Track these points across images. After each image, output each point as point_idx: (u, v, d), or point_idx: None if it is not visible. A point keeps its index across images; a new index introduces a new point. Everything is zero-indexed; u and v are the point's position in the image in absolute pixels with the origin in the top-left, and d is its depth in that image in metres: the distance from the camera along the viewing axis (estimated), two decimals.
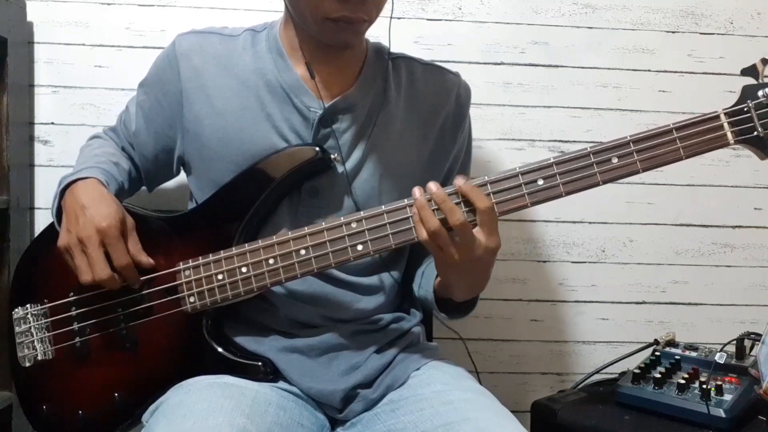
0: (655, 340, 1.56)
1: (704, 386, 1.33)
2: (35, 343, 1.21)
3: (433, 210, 1.05)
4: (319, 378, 1.18)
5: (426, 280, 1.26)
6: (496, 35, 1.72)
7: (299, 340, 1.20)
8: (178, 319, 1.18)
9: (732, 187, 1.78)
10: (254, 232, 1.20)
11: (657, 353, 1.51)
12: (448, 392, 1.14)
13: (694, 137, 1.05)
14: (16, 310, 1.23)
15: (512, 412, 1.12)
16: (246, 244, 1.15)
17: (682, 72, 1.75)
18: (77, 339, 1.20)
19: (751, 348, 1.46)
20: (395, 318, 1.29)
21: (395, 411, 1.15)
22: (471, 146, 1.39)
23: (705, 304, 1.80)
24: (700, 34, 1.75)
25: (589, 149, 1.06)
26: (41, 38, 1.64)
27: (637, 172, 1.06)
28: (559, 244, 1.77)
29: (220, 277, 1.15)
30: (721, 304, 1.80)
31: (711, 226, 1.78)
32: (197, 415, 1.01)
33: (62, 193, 1.20)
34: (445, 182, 1.21)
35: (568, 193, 1.06)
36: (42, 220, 1.65)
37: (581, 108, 1.74)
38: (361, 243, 1.10)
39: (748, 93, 1.05)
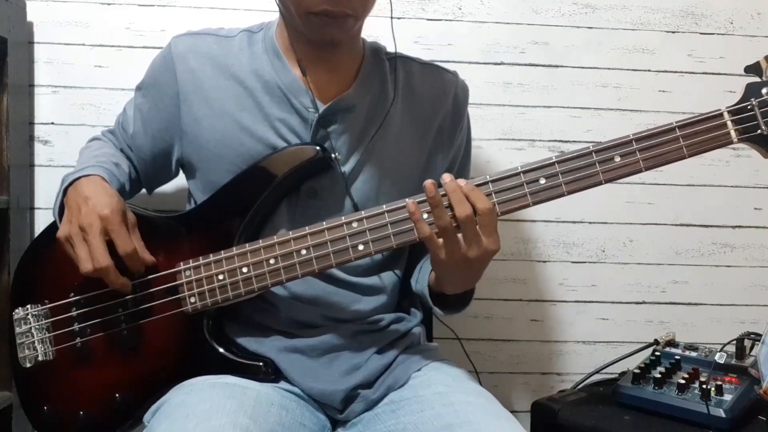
0: (655, 340, 1.56)
1: (704, 386, 1.32)
2: (36, 343, 1.21)
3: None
4: (320, 378, 1.18)
5: (423, 274, 1.26)
6: (496, 35, 1.72)
7: (300, 340, 1.20)
8: (178, 319, 1.17)
9: (732, 187, 1.78)
10: (255, 232, 1.20)
11: (657, 353, 1.51)
12: (449, 394, 1.14)
13: (698, 135, 1.05)
14: (17, 310, 1.23)
15: (512, 412, 1.12)
16: (247, 244, 1.15)
17: (682, 72, 1.76)
18: (78, 339, 1.20)
19: (751, 348, 1.46)
20: (396, 318, 1.29)
21: (396, 411, 1.15)
22: (470, 146, 1.39)
23: (705, 304, 1.80)
24: (700, 34, 1.75)
25: (591, 148, 1.06)
26: (41, 38, 1.64)
27: (639, 171, 1.05)
28: (559, 244, 1.77)
29: (220, 277, 1.15)
30: (721, 304, 1.80)
31: (711, 226, 1.78)
32: (200, 416, 1.01)
33: (65, 191, 1.19)
34: None
35: (570, 192, 1.06)
36: (42, 220, 1.65)
37: (581, 108, 1.74)
38: (362, 243, 1.10)
39: (751, 91, 1.05)
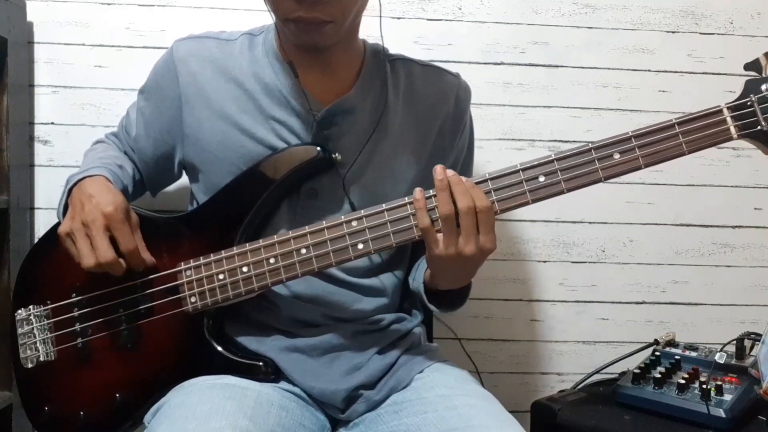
0: (655, 340, 1.56)
1: (704, 386, 1.32)
2: (38, 344, 1.21)
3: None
4: (321, 378, 1.18)
5: (419, 272, 1.27)
6: (496, 35, 1.72)
7: (300, 339, 1.20)
8: (179, 319, 1.17)
9: (732, 187, 1.78)
10: (255, 233, 1.20)
11: (657, 353, 1.51)
12: (452, 397, 1.14)
13: (697, 132, 1.04)
14: (19, 311, 1.23)
15: (512, 412, 1.12)
16: (247, 244, 1.15)
17: (682, 72, 1.76)
18: (79, 340, 1.20)
19: (751, 348, 1.46)
20: (396, 318, 1.29)
21: (398, 413, 1.15)
22: (473, 147, 1.39)
23: (705, 304, 1.80)
24: (700, 34, 1.75)
25: (590, 145, 1.06)
26: (41, 38, 1.64)
27: (639, 168, 1.05)
28: (559, 244, 1.77)
29: (221, 276, 1.15)
30: (721, 304, 1.80)
31: (711, 226, 1.78)
32: (199, 417, 1.01)
33: (69, 191, 1.19)
34: None
35: (569, 190, 1.06)
36: (42, 220, 1.65)
37: (581, 108, 1.75)
38: (362, 242, 1.10)
39: (751, 87, 1.05)
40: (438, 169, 1.06)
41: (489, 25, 1.72)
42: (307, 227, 1.12)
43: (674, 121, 1.05)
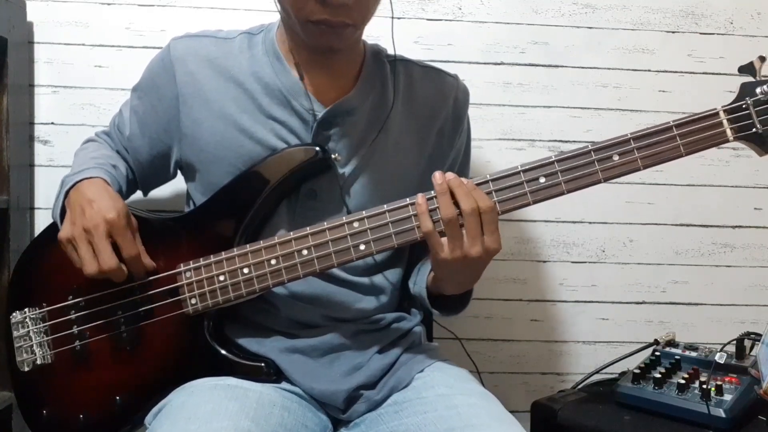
0: (655, 340, 1.56)
1: (704, 386, 1.33)
2: (34, 347, 1.20)
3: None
4: (322, 378, 1.18)
5: (421, 276, 1.26)
6: (496, 35, 1.72)
7: (301, 340, 1.20)
8: (179, 321, 1.17)
9: (732, 187, 1.78)
10: (254, 234, 1.20)
11: (657, 353, 1.51)
12: (452, 396, 1.14)
13: (694, 134, 1.06)
14: (14, 314, 1.22)
15: (512, 412, 1.12)
16: (247, 245, 1.15)
17: (682, 72, 1.76)
18: (77, 343, 1.19)
19: (751, 348, 1.46)
20: (397, 318, 1.29)
21: (399, 413, 1.15)
22: (470, 149, 1.39)
23: (705, 304, 1.80)
24: (700, 34, 1.75)
25: (590, 147, 1.07)
26: (41, 38, 1.64)
27: (638, 170, 1.06)
28: (559, 244, 1.77)
29: (221, 278, 1.15)
30: (721, 304, 1.80)
31: (711, 226, 1.78)
32: (201, 419, 1.01)
33: (66, 193, 1.19)
34: None
35: (569, 191, 1.07)
36: (42, 220, 1.65)
37: (581, 108, 1.75)
38: (364, 243, 1.10)
39: (746, 90, 1.06)
40: (437, 174, 1.06)
41: (489, 25, 1.72)
42: (308, 228, 1.12)
43: (672, 123, 1.06)
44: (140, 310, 1.18)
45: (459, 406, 1.11)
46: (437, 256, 1.07)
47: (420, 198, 1.07)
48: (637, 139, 1.06)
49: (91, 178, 1.19)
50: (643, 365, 1.46)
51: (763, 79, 1.06)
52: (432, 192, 1.07)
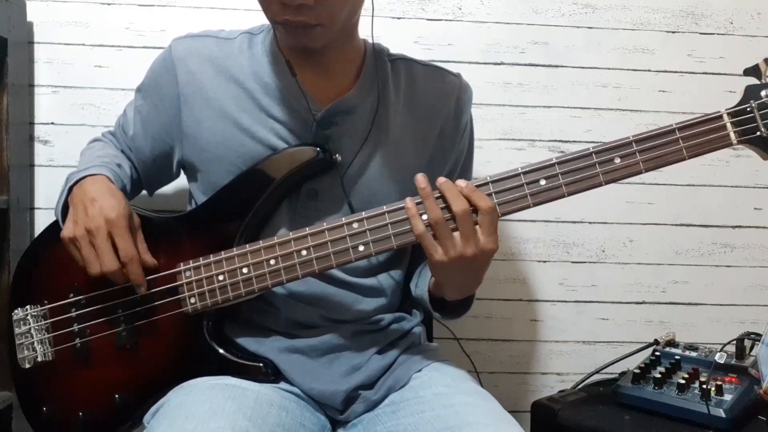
0: (655, 340, 1.56)
1: (704, 386, 1.33)
2: (35, 344, 1.21)
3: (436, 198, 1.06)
4: (321, 379, 1.18)
5: (423, 279, 1.26)
6: (496, 35, 1.72)
7: (300, 340, 1.20)
8: (178, 320, 1.17)
9: (732, 187, 1.78)
10: (255, 233, 1.20)
11: (657, 353, 1.51)
12: (449, 395, 1.14)
13: (697, 137, 1.05)
14: (16, 311, 1.23)
15: (512, 412, 1.12)
16: (247, 245, 1.15)
17: (682, 72, 1.76)
18: (77, 340, 1.20)
19: (751, 348, 1.46)
20: (396, 318, 1.29)
21: (396, 413, 1.15)
22: (473, 148, 1.39)
23: (705, 304, 1.80)
24: (700, 34, 1.75)
25: (591, 149, 1.06)
26: (41, 38, 1.64)
27: (639, 173, 1.06)
28: (559, 244, 1.77)
29: (221, 277, 1.15)
30: (721, 304, 1.80)
31: (711, 226, 1.78)
32: (199, 418, 1.01)
33: (70, 189, 1.19)
34: None
35: (570, 194, 1.06)
36: (42, 220, 1.65)
37: (581, 108, 1.75)
38: (363, 243, 1.10)
39: (750, 93, 1.05)
40: (419, 177, 1.06)
41: (489, 25, 1.72)
42: (307, 228, 1.12)
43: (675, 126, 1.05)
44: (140, 308, 1.18)
45: (456, 405, 1.10)
46: (432, 259, 1.07)
47: (408, 201, 1.07)
48: (639, 142, 1.05)
49: (94, 175, 1.19)
50: (643, 365, 1.46)
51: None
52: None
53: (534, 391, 1.78)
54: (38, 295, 1.23)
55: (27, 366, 1.21)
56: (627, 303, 1.79)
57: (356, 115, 1.22)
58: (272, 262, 1.13)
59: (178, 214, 1.26)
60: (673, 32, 1.75)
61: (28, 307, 1.22)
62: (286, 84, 1.21)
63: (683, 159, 1.05)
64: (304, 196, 1.21)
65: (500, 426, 1.06)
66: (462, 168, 1.35)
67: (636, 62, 1.75)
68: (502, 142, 1.73)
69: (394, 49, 1.32)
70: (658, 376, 1.39)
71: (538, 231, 1.76)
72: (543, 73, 1.73)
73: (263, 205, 1.19)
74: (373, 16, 1.26)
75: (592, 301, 1.78)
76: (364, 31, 1.25)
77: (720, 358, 1.39)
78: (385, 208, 1.10)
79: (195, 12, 1.66)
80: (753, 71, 1.07)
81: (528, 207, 1.07)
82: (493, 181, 1.07)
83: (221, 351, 1.18)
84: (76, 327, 1.20)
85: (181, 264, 1.18)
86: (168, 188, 1.45)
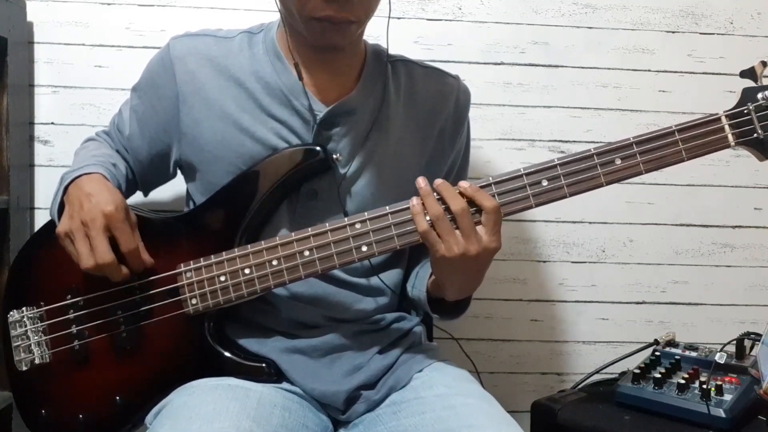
0: (655, 340, 1.57)
1: (704, 386, 1.33)
2: (32, 346, 1.19)
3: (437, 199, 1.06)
4: (322, 379, 1.18)
5: (420, 280, 1.26)
6: (496, 35, 1.72)
7: (301, 341, 1.20)
8: (179, 321, 1.17)
9: (732, 187, 1.78)
10: (255, 234, 1.19)
11: (657, 353, 1.51)
12: (450, 396, 1.14)
13: (696, 139, 1.07)
14: (12, 313, 1.21)
15: (512, 412, 1.12)
16: (248, 246, 1.15)
17: (682, 72, 1.76)
18: (76, 342, 1.19)
19: (751, 348, 1.46)
20: (397, 318, 1.29)
21: (397, 413, 1.15)
22: (469, 150, 1.39)
23: (705, 304, 1.80)
24: (700, 34, 1.75)
25: (592, 150, 1.07)
26: (41, 38, 1.64)
27: (640, 173, 1.07)
28: (559, 244, 1.77)
29: (222, 278, 1.15)
30: (721, 304, 1.80)
31: (711, 226, 1.79)
32: (203, 418, 1.01)
33: (65, 189, 1.18)
34: None
35: (572, 194, 1.07)
36: (42, 220, 1.65)
37: (581, 108, 1.75)
38: (366, 244, 1.10)
39: (748, 95, 1.07)
40: (419, 180, 1.08)
41: (489, 25, 1.72)
42: (310, 229, 1.12)
43: (674, 128, 1.07)
44: (140, 309, 1.18)
45: (457, 406, 1.11)
46: (436, 255, 1.07)
47: (414, 200, 1.08)
48: (640, 144, 1.07)
49: (90, 173, 1.19)
50: (643, 365, 1.46)
51: (764, 84, 1.07)
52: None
53: (534, 391, 1.78)
54: (34, 296, 1.21)
55: (24, 368, 1.20)
56: (627, 303, 1.79)
57: (357, 116, 1.22)
58: (275, 262, 1.13)
59: (177, 214, 1.26)
60: (673, 32, 1.75)
61: (24, 308, 1.21)
62: (287, 84, 1.20)
63: (682, 160, 1.07)
64: (304, 197, 1.21)
65: (501, 428, 1.06)
66: (459, 168, 1.35)
67: (636, 62, 1.75)
68: (502, 142, 1.73)
69: (394, 49, 1.32)
70: (658, 376, 1.39)
71: (538, 231, 1.77)
72: (543, 73, 1.73)
73: (263, 205, 1.19)
74: (389, 17, 1.27)
75: (592, 301, 1.78)
76: (373, 32, 1.25)
77: (720, 358, 1.39)
78: (387, 209, 1.10)
79: (195, 12, 1.65)
80: (749, 73, 1.09)
81: (530, 207, 1.08)
82: (495, 182, 1.08)
83: (223, 352, 1.18)
84: (74, 329, 1.19)
85: (182, 265, 1.17)
86: (164, 193, 1.44)
